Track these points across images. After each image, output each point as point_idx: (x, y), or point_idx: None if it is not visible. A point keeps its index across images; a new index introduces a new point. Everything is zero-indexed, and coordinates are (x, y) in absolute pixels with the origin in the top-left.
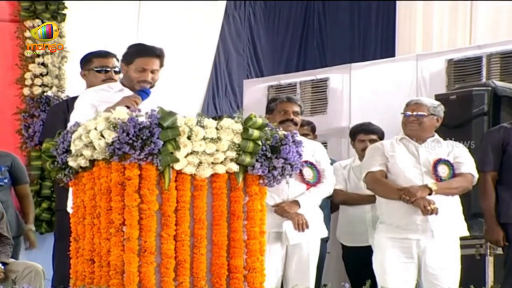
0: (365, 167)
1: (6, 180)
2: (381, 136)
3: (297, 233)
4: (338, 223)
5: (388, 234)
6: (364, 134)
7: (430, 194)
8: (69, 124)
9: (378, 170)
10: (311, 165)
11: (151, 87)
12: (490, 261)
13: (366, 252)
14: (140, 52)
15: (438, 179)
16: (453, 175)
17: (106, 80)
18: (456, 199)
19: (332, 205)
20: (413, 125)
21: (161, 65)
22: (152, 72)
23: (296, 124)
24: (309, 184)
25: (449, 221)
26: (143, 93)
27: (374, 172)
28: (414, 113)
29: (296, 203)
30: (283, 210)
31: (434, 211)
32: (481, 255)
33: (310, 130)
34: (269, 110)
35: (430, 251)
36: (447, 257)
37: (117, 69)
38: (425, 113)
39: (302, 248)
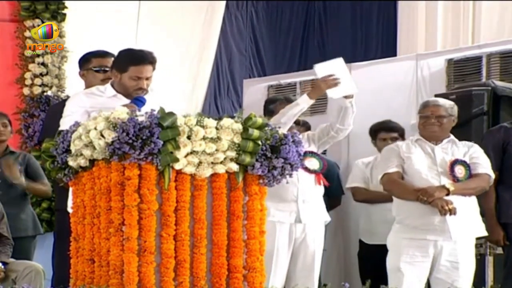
0: (381, 169)
1: (22, 179)
2: (401, 133)
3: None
4: (359, 221)
5: (405, 234)
6: (385, 132)
7: (447, 194)
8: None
9: (394, 172)
10: (312, 153)
11: (145, 93)
12: (490, 261)
13: (386, 251)
14: (134, 61)
15: (455, 179)
16: (470, 175)
17: (105, 79)
18: (473, 200)
19: (329, 204)
20: (434, 127)
21: (154, 69)
22: (147, 79)
23: (298, 123)
24: (317, 173)
25: (467, 221)
26: (139, 102)
27: (390, 174)
28: (435, 114)
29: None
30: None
31: (452, 211)
32: (481, 255)
33: (304, 130)
34: (269, 112)
35: (446, 250)
36: (463, 257)
37: None
38: (444, 114)
39: (308, 246)
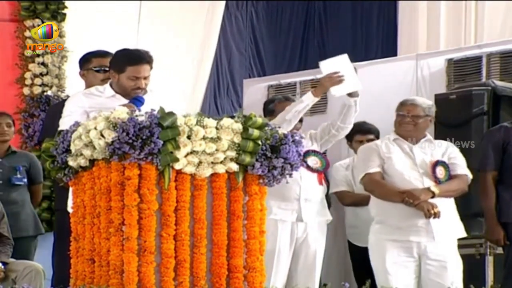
0: (361, 169)
1: (25, 180)
2: (377, 135)
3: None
4: (346, 223)
5: (388, 235)
6: (361, 134)
7: (432, 197)
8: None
9: (376, 172)
10: (315, 152)
11: (144, 93)
12: (490, 261)
13: None
14: (131, 61)
15: (437, 180)
16: (449, 176)
17: (105, 79)
18: (452, 201)
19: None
20: (409, 126)
21: (151, 68)
22: (145, 78)
23: (301, 120)
24: (319, 172)
25: (449, 223)
26: (138, 102)
27: (372, 174)
28: (410, 114)
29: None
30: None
31: (437, 215)
32: (481, 254)
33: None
34: (269, 112)
35: (431, 250)
36: (449, 255)
37: None
38: (421, 114)
39: (310, 246)
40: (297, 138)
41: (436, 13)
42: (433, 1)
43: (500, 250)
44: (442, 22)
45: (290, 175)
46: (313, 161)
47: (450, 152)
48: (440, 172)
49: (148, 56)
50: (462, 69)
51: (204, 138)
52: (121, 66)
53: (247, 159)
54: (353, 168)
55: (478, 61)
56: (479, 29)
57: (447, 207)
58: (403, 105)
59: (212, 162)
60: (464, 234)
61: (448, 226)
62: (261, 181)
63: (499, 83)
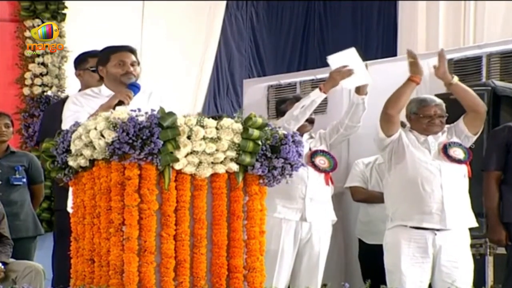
0: None
1: (24, 180)
2: None
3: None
4: (358, 220)
5: (403, 222)
6: None
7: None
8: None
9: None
10: (323, 152)
11: (136, 79)
12: (490, 261)
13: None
14: (113, 49)
15: (453, 160)
16: (469, 155)
17: (102, 79)
18: (466, 191)
19: None
20: (438, 127)
21: (137, 60)
22: (132, 64)
23: (312, 122)
24: (327, 173)
25: (462, 211)
26: (134, 88)
27: None
28: (437, 114)
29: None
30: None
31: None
32: (481, 255)
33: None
34: (281, 112)
35: (445, 249)
36: (462, 256)
37: None
38: (444, 113)
39: (314, 247)
40: (297, 138)
41: (435, 13)
42: (433, 1)
43: (500, 250)
44: (442, 22)
45: (290, 175)
46: (321, 161)
47: (452, 126)
48: (457, 152)
49: (129, 46)
50: (462, 69)
51: (204, 138)
52: (105, 57)
53: (247, 159)
54: (373, 167)
55: (478, 61)
56: (479, 29)
57: (461, 196)
58: (427, 105)
59: (212, 162)
60: (476, 224)
61: (461, 215)
62: (261, 181)
63: (499, 83)
